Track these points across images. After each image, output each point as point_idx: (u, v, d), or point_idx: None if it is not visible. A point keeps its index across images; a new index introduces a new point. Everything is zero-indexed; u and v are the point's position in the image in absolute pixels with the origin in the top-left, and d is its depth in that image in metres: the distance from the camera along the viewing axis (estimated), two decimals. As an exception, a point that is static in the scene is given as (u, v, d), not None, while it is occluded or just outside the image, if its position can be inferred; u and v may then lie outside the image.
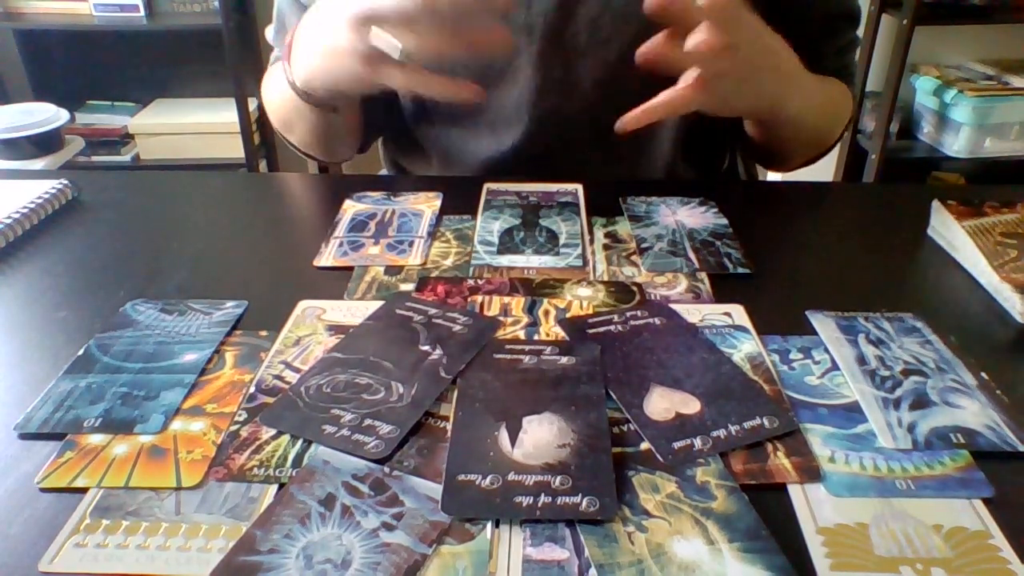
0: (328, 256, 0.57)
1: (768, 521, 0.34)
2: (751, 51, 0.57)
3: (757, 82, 0.60)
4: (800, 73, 0.64)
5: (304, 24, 0.62)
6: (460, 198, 0.66)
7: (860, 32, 0.80)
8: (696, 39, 0.54)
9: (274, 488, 0.36)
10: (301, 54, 0.62)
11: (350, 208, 0.65)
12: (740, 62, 0.56)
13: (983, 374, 0.44)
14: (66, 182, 0.67)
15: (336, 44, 0.56)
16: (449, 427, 0.39)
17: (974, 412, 0.41)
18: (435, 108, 0.75)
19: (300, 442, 0.38)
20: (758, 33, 0.57)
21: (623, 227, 0.61)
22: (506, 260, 0.56)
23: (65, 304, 0.51)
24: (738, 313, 0.49)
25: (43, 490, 0.36)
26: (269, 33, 0.83)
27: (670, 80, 0.64)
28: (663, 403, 0.41)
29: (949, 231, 0.58)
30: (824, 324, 0.48)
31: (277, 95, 0.73)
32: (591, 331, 0.47)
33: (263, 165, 2.28)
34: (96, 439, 0.39)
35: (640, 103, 0.65)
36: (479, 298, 0.51)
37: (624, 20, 0.69)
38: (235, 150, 2.14)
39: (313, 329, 0.48)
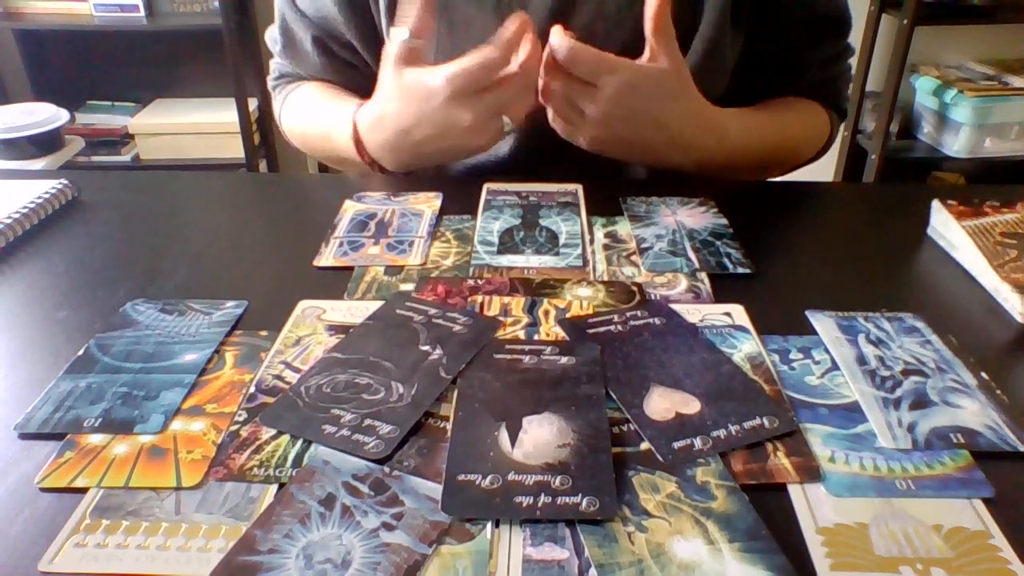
0: (328, 256, 0.57)
1: (768, 521, 0.34)
2: (627, 124, 0.63)
3: (646, 146, 0.65)
4: (715, 139, 0.67)
5: (381, 120, 0.66)
6: (460, 198, 0.66)
7: (858, 38, 0.80)
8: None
9: (274, 488, 0.36)
10: (392, 149, 0.67)
11: (350, 208, 0.65)
12: (615, 131, 0.63)
13: (983, 374, 0.44)
14: (66, 182, 0.67)
15: (447, 125, 0.61)
16: (449, 427, 0.39)
17: (974, 412, 0.41)
18: None
19: (300, 442, 0.38)
20: (635, 111, 0.62)
21: (623, 227, 0.61)
22: (506, 260, 0.56)
23: (65, 304, 0.51)
24: (738, 313, 0.49)
25: (43, 490, 0.36)
26: (270, 40, 0.83)
27: None
28: (663, 403, 0.41)
29: (949, 231, 0.58)
30: (824, 324, 0.48)
31: (319, 144, 0.78)
32: (591, 331, 0.47)
33: (263, 165, 2.28)
34: (96, 439, 0.39)
35: None
36: (479, 298, 0.51)
37: (617, 26, 0.69)
38: (235, 150, 2.14)
39: (313, 329, 0.48)
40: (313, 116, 0.79)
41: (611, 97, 0.60)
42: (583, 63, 0.60)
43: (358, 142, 0.69)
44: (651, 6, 0.60)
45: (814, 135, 0.80)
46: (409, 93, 0.62)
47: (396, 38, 0.62)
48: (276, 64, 0.86)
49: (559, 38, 0.59)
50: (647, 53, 0.62)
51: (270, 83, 0.87)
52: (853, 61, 0.83)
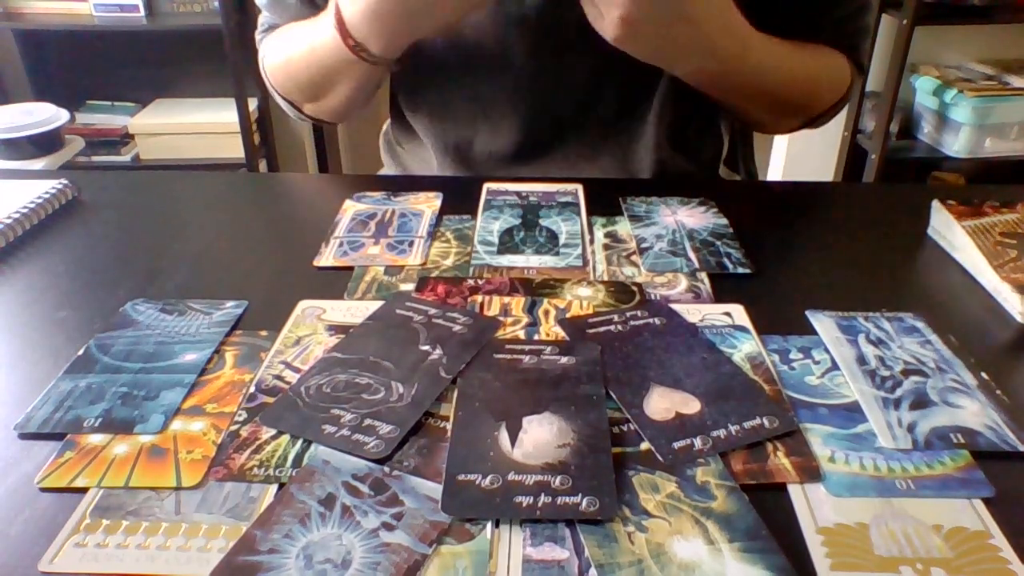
0: (328, 256, 0.57)
1: (768, 521, 0.34)
2: (653, 6, 0.57)
3: (672, 41, 0.60)
4: (739, 47, 0.63)
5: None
6: (460, 198, 0.66)
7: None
8: None
9: (274, 488, 0.36)
10: (377, 16, 0.60)
11: (350, 208, 0.65)
12: (648, 20, 0.57)
13: (983, 374, 0.44)
14: (66, 182, 0.67)
15: None
16: (449, 427, 0.39)
17: (974, 412, 0.41)
18: (428, 96, 0.75)
19: (300, 442, 0.38)
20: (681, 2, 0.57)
21: (623, 227, 0.61)
22: (506, 260, 0.56)
23: (65, 304, 0.51)
24: (738, 313, 0.49)
25: (43, 490, 0.36)
26: None
27: (657, 69, 0.64)
28: (663, 403, 0.41)
29: (949, 231, 0.58)
30: (824, 324, 0.48)
31: (305, 64, 0.71)
32: (591, 331, 0.47)
33: (263, 165, 2.28)
34: (96, 439, 0.39)
35: (629, 92, 0.66)
36: (479, 298, 0.51)
37: None
38: (235, 150, 2.14)
39: (313, 329, 0.48)
40: (295, 37, 0.74)
41: None
42: None
43: (340, 23, 0.62)
44: None
45: (835, 79, 0.76)
46: None
47: None
48: (264, 17, 0.82)
49: None
50: None
51: (257, 36, 0.83)
52: (871, 18, 0.79)
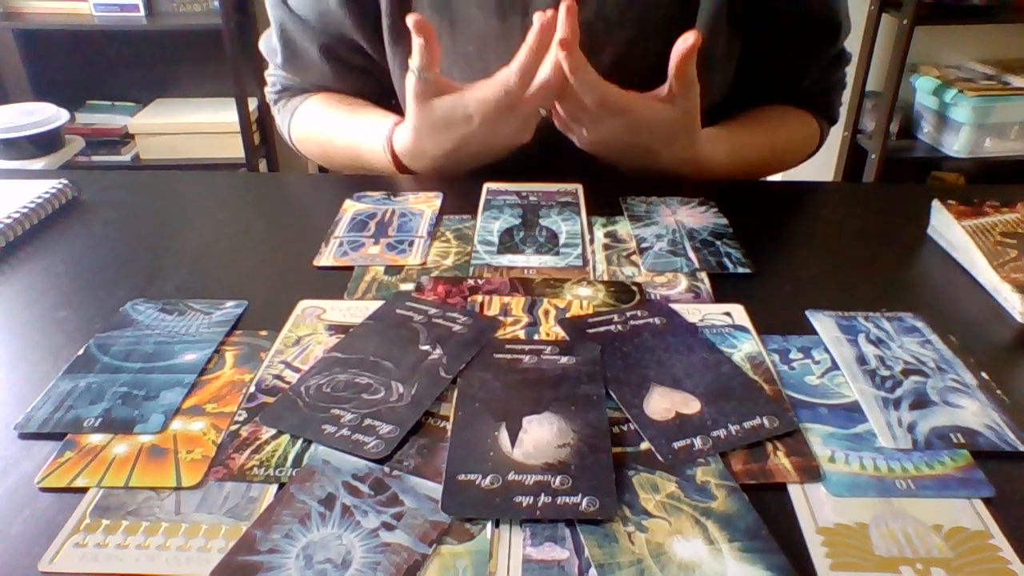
0: (328, 256, 0.57)
1: (768, 521, 0.34)
2: (621, 148, 0.67)
3: (634, 166, 0.70)
4: (697, 169, 0.70)
5: (422, 151, 0.69)
6: (460, 198, 0.66)
7: (858, 38, 0.80)
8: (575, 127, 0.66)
9: (274, 488, 0.36)
10: (441, 169, 0.70)
11: (350, 208, 0.65)
12: (608, 150, 0.67)
13: (983, 374, 0.44)
14: (66, 182, 0.67)
15: (492, 137, 0.65)
16: (449, 427, 0.39)
17: (974, 412, 0.41)
18: None
19: (300, 442, 0.38)
20: (632, 145, 0.66)
21: (623, 227, 0.61)
22: (506, 260, 0.56)
23: (65, 304, 0.51)
24: (738, 313, 0.49)
25: (43, 490, 0.36)
26: (268, 50, 0.80)
27: (661, 79, 0.65)
28: (663, 403, 0.41)
29: (949, 231, 0.58)
30: (824, 324, 0.48)
31: (348, 159, 0.78)
32: (591, 331, 0.47)
33: (263, 165, 2.28)
34: (96, 439, 0.39)
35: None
36: (479, 298, 0.51)
37: (618, 25, 0.69)
38: (235, 150, 2.14)
39: (313, 329, 0.48)
40: (334, 132, 0.77)
41: (612, 134, 0.64)
42: (589, 93, 0.61)
43: (404, 169, 0.72)
44: (678, 51, 0.60)
45: (801, 150, 0.83)
46: (445, 124, 0.65)
47: (410, 74, 0.63)
48: (276, 76, 0.83)
49: (575, 65, 0.59)
50: (665, 90, 0.63)
51: (270, 96, 0.85)
52: (851, 69, 0.84)
